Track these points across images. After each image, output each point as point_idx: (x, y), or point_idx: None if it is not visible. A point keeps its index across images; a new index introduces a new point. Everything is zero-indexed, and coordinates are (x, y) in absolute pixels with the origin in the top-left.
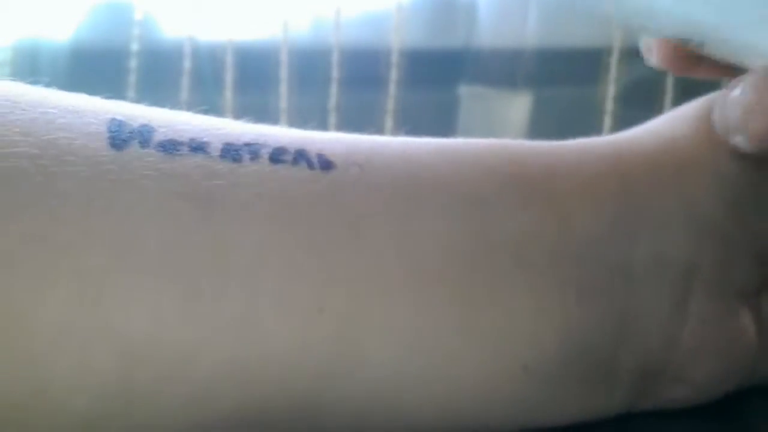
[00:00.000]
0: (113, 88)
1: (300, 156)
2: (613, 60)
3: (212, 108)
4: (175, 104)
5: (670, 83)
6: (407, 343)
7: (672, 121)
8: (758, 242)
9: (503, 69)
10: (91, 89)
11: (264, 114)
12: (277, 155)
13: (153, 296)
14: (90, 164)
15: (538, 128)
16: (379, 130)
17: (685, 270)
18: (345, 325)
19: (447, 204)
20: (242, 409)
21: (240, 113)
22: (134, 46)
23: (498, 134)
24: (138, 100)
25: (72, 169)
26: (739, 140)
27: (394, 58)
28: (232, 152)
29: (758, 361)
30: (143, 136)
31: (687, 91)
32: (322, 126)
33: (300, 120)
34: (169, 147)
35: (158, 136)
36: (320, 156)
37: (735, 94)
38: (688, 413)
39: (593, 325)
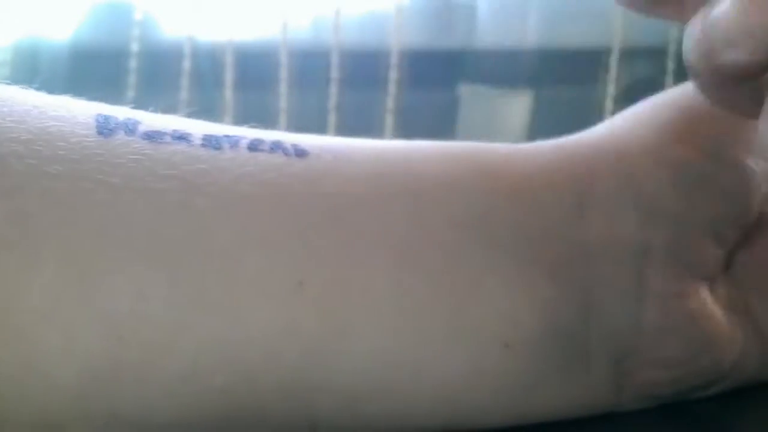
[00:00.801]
0: (113, 88)
1: (276, 145)
2: (613, 60)
3: (212, 108)
4: (174, 104)
5: (669, 83)
6: (389, 317)
7: (610, 122)
8: (713, 223)
9: (503, 69)
10: (91, 89)
11: (264, 114)
12: (255, 145)
13: (137, 276)
14: (79, 148)
15: (538, 128)
16: (380, 130)
17: (637, 249)
18: (326, 297)
19: (415, 188)
20: (231, 388)
21: (240, 113)
22: (134, 47)
23: (498, 133)
24: (138, 100)
25: (62, 153)
26: (733, 55)
27: (394, 59)
28: (212, 141)
29: (741, 352)
30: (129, 126)
31: None
32: (322, 126)
33: (300, 120)
34: (153, 136)
35: (143, 127)
36: (295, 145)
37: (721, 9)
38: (676, 416)
39: (564, 301)
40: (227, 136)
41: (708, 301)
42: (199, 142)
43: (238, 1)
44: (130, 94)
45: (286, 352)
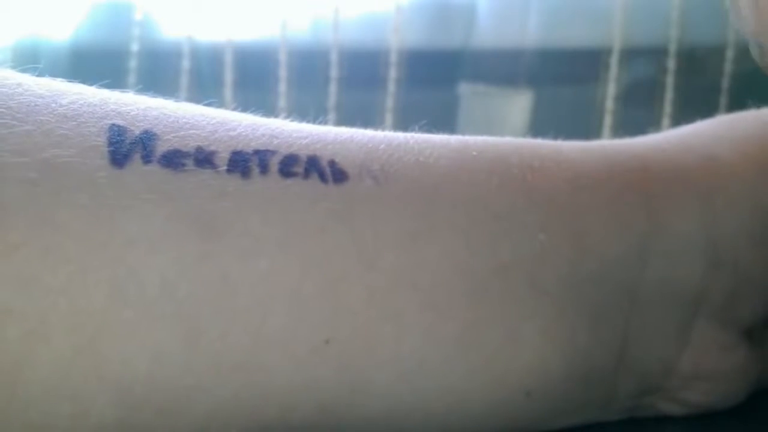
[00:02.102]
0: (113, 88)
1: (311, 165)
2: (613, 60)
3: (212, 107)
4: None
5: (670, 82)
6: (413, 371)
7: (712, 138)
8: None
9: (503, 68)
10: None
11: (263, 114)
12: (288, 166)
13: (153, 338)
14: (89, 188)
15: (538, 127)
16: (380, 129)
17: (693, 298)
18: (351, 355)
19: (462, 222)
20: None
21: (239, 112)
22: (134, 47)
23: (498, 133)
24: None
25: (70, 197)
26: None
27: (393, 58)
28: (240, 164)
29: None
30: (146, 147)
31: (688, 90)
32: (323, 119)
33: (299, 119)
34: (174, 160)
35: (161, 147)
36: (333, 165)
37: None
38: (676, 416)
39: (598, 349)
40: (257, 153)
41: (745, 353)
42: (224, 165)
43: (238, 1)
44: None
45: (302, 407)
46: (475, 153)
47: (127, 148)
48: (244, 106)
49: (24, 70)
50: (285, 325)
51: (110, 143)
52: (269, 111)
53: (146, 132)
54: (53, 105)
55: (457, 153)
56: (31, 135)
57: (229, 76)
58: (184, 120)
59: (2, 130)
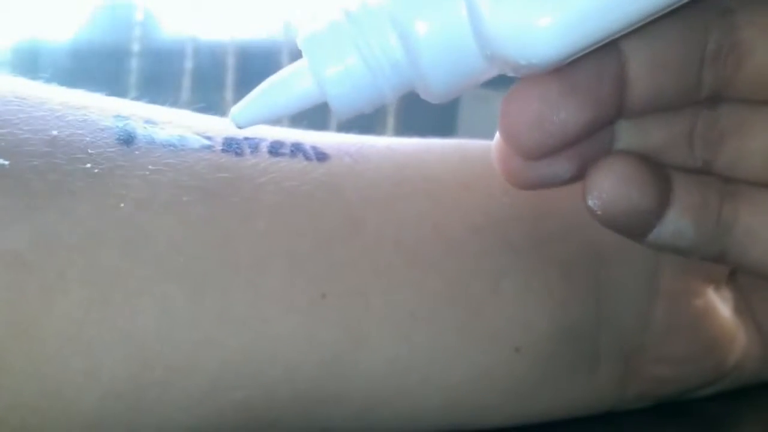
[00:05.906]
0: (114, 89)
1: (296, 148)
2: None
3: (213, 107)
4: (176, 104)
5: None
6: (404, 326)
7: None
8: None
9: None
10: (92, 90)
11: None
12: (276, 148)
13: (161, 295)
14: (100, 160)
15: None
16: (381, 131)
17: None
18: (347, 309)
19: (433, 189)
20: (249, 402)
21: None
22: (135, 47)
23: None
24: (139, 100)
25: (83, 167)
26: None
27: None
28: (233, 145)
29: (748, 351)
30: (149, 131)
31: None
32: (323, 126)
33: (301, 120)
34: (174, 142)
35: (162, 131)
36: (315, 148)
37: None
38: (676, 416)
39: (576, 302)
40: (247, 139)
41: (716, 301)
42: (219, 147)
43: (239, 1)
44: (132, 94)
45: (304, 365)
46: (436, 143)
47: (132, 131)
48: None
49: (24, 72)
50: (283, 280)
51: (117, 127)
52: None
53: (148, 120)
54: (62, 98)
55: (421, 140)
56: (45, 119)
57: (231, 77)
58: (178, 116)
59: (20, 114)
